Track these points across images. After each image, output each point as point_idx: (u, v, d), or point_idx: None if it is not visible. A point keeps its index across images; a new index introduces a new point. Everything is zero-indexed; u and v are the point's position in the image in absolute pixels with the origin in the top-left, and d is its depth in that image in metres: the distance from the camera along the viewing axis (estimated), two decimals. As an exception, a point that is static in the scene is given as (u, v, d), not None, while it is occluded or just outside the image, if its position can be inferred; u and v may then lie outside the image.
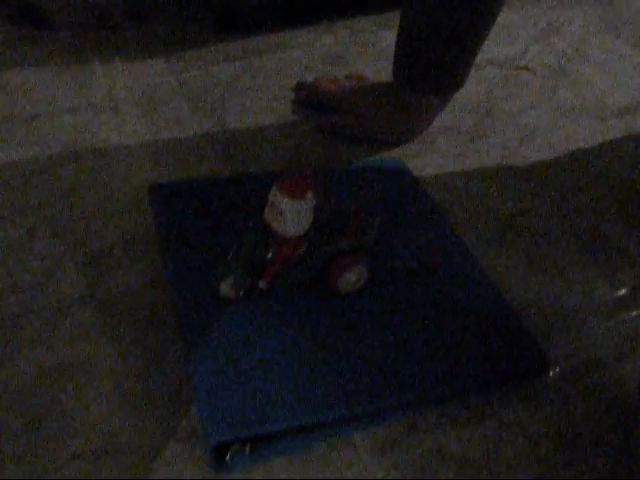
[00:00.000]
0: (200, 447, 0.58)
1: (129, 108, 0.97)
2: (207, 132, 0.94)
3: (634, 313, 0.73)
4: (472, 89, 1.08)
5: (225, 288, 0.63)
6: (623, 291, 0.76)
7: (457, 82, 0.89)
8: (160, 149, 0.89)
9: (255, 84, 1.05)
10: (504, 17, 1.11)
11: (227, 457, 0.55)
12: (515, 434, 0.61)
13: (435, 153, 0.94)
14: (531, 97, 1.10)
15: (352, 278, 0.65)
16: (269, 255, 0.62)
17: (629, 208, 0.87)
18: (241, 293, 0.63)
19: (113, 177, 0.85)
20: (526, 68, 1.17)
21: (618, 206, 0.87)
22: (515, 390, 0.64)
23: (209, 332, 0.61)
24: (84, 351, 0.65)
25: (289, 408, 0.56)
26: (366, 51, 1.18)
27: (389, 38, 1.15)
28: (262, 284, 0.63)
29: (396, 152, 0.92)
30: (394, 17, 0.93)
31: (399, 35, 0.87)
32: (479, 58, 1.09)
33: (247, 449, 0.56)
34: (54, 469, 0.57)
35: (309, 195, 0.59)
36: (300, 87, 0.97)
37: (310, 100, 0.94)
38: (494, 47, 1.21)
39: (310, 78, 1.01)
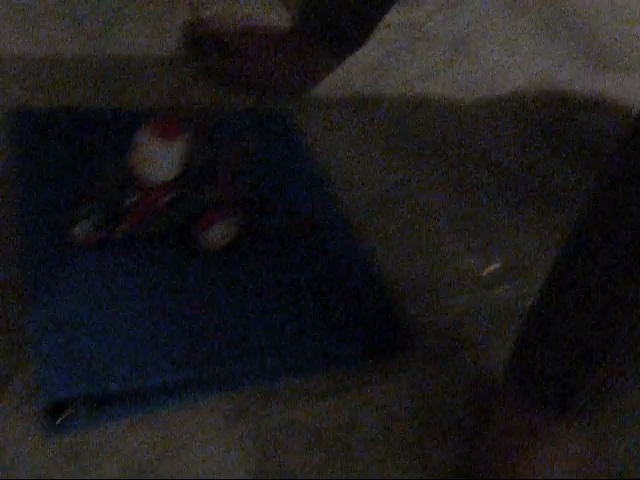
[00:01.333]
0: (36, 404, 0.53)
1: (3, 21, 0.87)
2: (84, 58, 0.86)
3: (504, 290, 0.73)
4: (368, 50, 1.04)
5: (78, 233, 0.57)
6: (493, 267, 0.75)
7: (359, 42, 0.86)
8: (31, 69, 0.81)
9: (143, 14, 0.97)
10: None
11: (61, 416, 0.51)
12: (371, 410, 0.60)
13: (321, 112, 0.90)
14: (427, 66, 1.08)
15: (218, 234, 0.61)
16: (131, 200, 0.56)
17: (505, 186, 0.87)
18: (95, 240, 0.58)
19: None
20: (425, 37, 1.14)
21: (497, 184, 0.87)
22: (376, 366, 0.63)
23: (53, 279, 0.55)
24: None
25: (132, 367, 0.52)
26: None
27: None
28: (119, 232, 0.58)
29: (280, 105, 0.88)
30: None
31: None
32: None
33: (84, 409, 0.51)
34: None
35: (181, 139, 0.54)
36: (190, 24, 0.90)
37: (199, 39, 0.88)
38: (396, 9, 1.18)
39: (203, 15, 0.95)
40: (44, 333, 0.51)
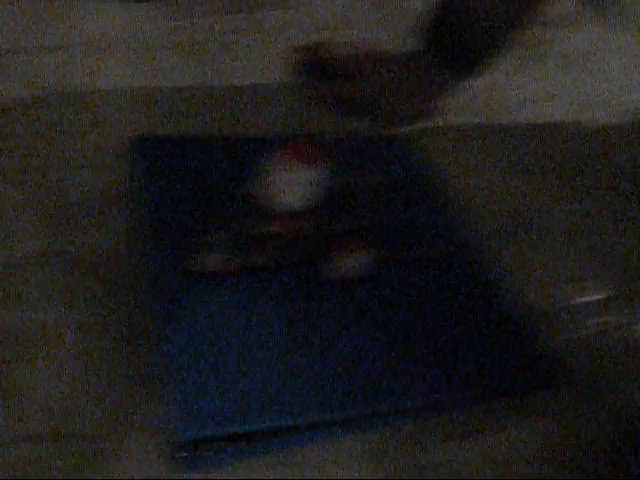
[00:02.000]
0: (167, 440, 0.51)
1: (118, 52, 0.88)
2: (198, 87, 0.86)
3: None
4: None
5: (206, 263, 0.56)
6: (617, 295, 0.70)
7: (484, 66, 0.82)
8: (146, 99, 0.81)
9: (254, 40, 0.97)
10: None
11: (197, 454, 0.48)
12: (514, 452, 0.55)
13: (440, 136, 0.87)
14: (543, 87, 1.03)
15: (353, 263, 0.58)
16: (263, 229, 0.54)
17: (633, 209, 0.82)
18: (224, 270, 0.56)
19: (92, 125, 0.76)
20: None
21: (623, 209, 0.82)
22: (516, 404, 0.59)
23: (185, 313, 0.53)
24: (40, 317, 0.57)
25: (271, 406, 0.49)
26: (384, 14, 1.09)
27: (413, 1, 1.07)
28: (249, 262, 0.56)
29: (400, 130, 0.85)
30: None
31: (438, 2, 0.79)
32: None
33: (213, 448, 0.49)
34: None
35: (319, 164, 0.52)
36: (304, 49, 0.89)
37: (314, 64, 0.86)
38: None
39: (316, 40, 0.93)
40: (171, 370, 0.49)
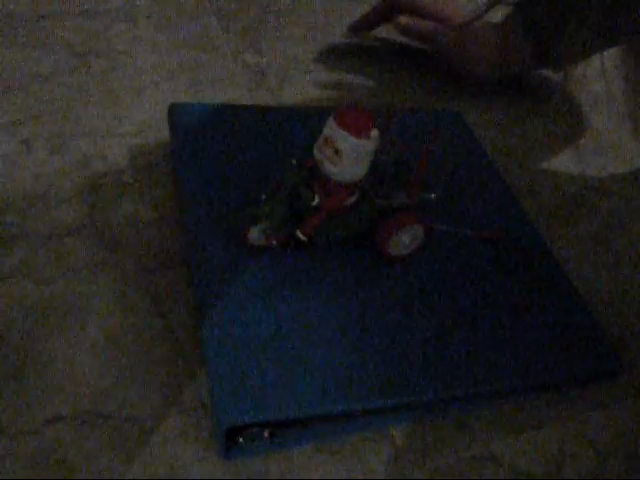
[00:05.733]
0: (208, 425, 0.48)
1: (151, 19, 0.85)
2: (237, 56, 0.82)
3: None
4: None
5: (255, 235, 0.52)
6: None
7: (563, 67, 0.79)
8: (181, 68, 0.78)
9: (297, 9, 0.92)
10: None
11: (240, 441, 0.45)
12: (581, 445, 0.52)
13: (499, 112, 0.83)
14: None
15: (405, 240, 0.54)
16: (315, 201, 0.51)
17: None
18: (274, 243, 0.53)
19: (125, 93, 0.73)
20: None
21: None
22: (582, 394, 0.55)
23: (229, 288, 0.50)
24: (76, 288, 0.55)
25: (319, 391, 0.46)
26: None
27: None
28: (301, 234, 0.52)
29: (454, 104, 0.81)
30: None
31: None
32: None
33: (266, 434, 0.46)
34: (30, 431, 0.47)
35: (374, 134, 0.48)
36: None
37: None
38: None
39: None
40: (220, 351, 0.46)
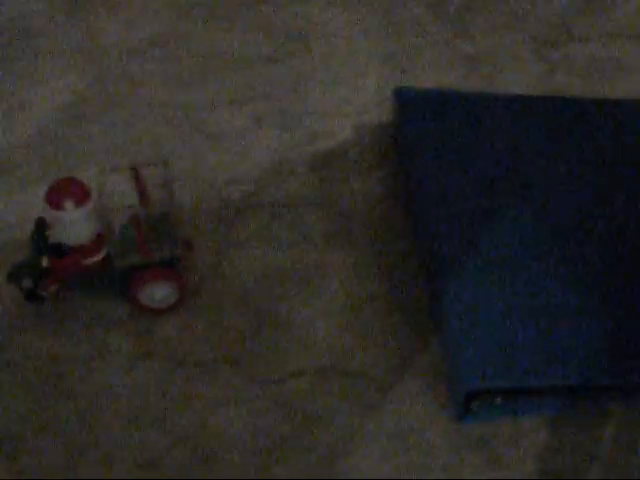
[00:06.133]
0: (441, 389, 0.51)
1: (362, 4, 0.88)
2: (448, 42, 0.83)
3: None
4: None
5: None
6: None
7: None
8: (395, 52, 0.80)
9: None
10: None
11: (475, 405, 0.48)
12: None
13: None
14: None
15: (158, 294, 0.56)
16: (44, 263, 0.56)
17: None
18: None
19: (345, 75, 0.77)
20: None
21: None
22: None
23: (467, 257, 0.52)
24: (310, 256, 0.59)
25: (559, 363, 0.47)
26: None
27: None
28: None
29: None
30: None
31: None
32: None
33: (498, 401, 0.48)
34: (274, 382, 0.51)
35: (68, 205, 0.53)
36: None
37: None
38: None
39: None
40: (461, 321, 0.48)
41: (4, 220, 0.64)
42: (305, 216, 0.62)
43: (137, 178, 0.57)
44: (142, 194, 0.56)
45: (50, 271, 0.56)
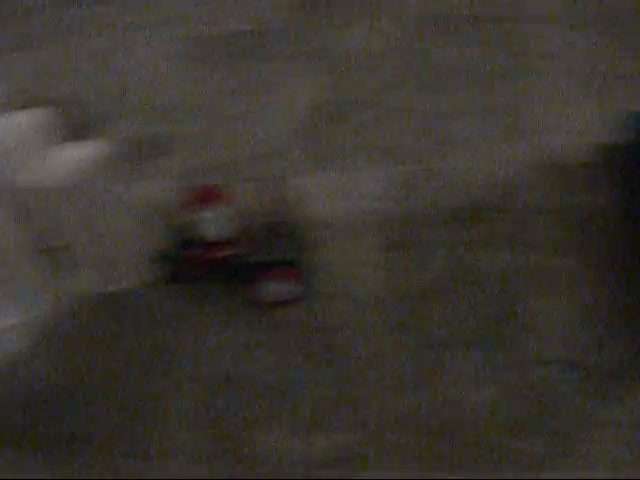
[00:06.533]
0: None
1: (594, 27, 0.92)
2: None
3: None
4: None
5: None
6: None
7: None
8: (626, 76, 0.85)
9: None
10: None
11: None
12: None
13: None
14: None
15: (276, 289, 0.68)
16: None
17: None
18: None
19: (568, 93, 0.83)
20: None
21: None
22: None
23: None
24: (544, 260, 0.65)
25: None
26: None
27: None
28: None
29: None
30: None
31: None
32: None
33: None
34: (519, 367, 0.58)
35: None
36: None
37: None
38: None
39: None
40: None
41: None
42: (543, 223, 0.69)
43: (272, 190, 0.70)
44: (274, 204, 0.69)
45: (189, 259, 0.70)
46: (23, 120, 0.76)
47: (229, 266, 0.70)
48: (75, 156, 0.70)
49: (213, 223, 0.69)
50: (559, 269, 0.65)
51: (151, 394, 0.63)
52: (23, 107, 0.77)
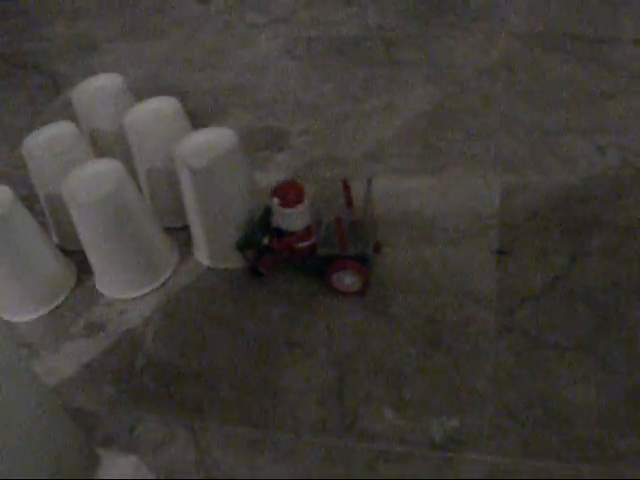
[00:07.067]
0: None
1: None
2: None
3: None
4: None
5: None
6: None
7: None
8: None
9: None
10: None
11: None
12: None
13: None
14: None
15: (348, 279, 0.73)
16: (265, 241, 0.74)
17: None
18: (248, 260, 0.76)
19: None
20: None
21: None
22: None
23: None
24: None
25: None
26: None
27: None
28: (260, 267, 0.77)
29: None
30: None
31: None
32: None
33: None
34: (623, 373, 0.61)
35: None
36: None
37: None
38: None
39: None
40: None
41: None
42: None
43: (346, 189, 0.74)
44: (348, 202, 0.74)
45: (269, 248, 0.74)
46: (159, 106, 0.83)
47: (306, 258, 0.75)
48: (209, 141, 0.75)
49: (299, 216, 0.72)
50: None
51: (272, 371, 0.68)
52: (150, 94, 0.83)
